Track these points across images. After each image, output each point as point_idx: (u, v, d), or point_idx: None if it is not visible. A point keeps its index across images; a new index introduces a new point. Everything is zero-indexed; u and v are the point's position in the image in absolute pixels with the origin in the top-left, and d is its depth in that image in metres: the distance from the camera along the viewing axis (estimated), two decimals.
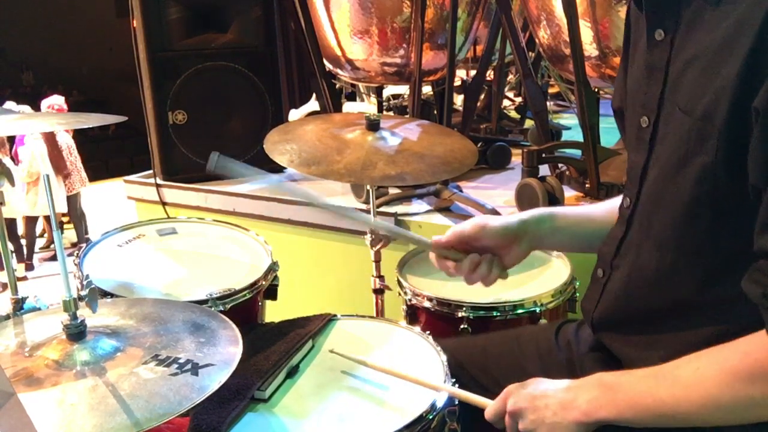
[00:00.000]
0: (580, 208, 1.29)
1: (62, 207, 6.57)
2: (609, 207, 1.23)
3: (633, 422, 0.92)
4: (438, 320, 1.58)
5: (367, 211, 1.79)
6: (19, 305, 1.52)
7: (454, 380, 1.19)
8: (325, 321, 1.44)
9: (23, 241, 6.79)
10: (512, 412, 1.01)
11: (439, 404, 1.13)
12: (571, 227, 1.24)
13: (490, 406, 1.05)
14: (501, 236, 1.17)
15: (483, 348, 1.34)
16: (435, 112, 3.14)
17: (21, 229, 6.80)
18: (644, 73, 1.00)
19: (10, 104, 6.51)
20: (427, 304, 1.59)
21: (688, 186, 0.90)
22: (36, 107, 6.78)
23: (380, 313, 1.83)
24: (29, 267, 6.76)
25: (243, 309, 1.58)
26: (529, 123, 3.45)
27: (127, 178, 3.14)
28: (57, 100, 6.72)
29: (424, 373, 1.22)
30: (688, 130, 0.89)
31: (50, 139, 6.33)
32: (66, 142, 6.74)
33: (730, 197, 0.87)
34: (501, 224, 1.18)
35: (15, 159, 6.62)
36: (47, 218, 6.70)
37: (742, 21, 0.83)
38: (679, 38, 0.94)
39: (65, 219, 6.97)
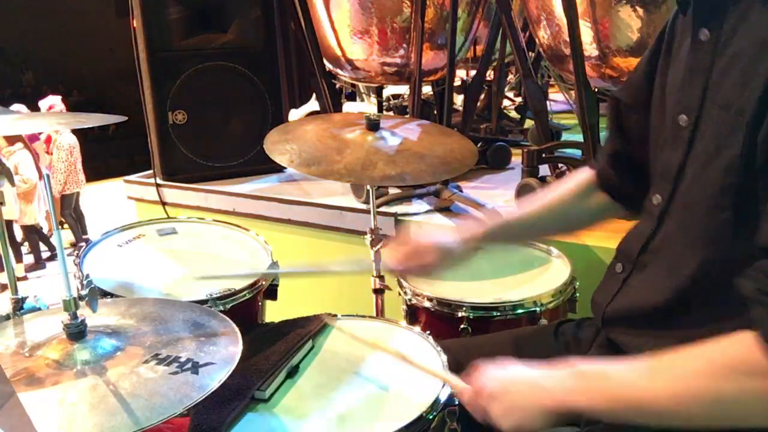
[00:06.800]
0: (513, 216, 1.37)
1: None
2: (540, 204, 1.32)
3: (605, 413, 0.91)
4: (438, 320, 1.58)
5: (367, 212, 1.79)
6: (19, 305, 1.52)
7: None
8: (325, 321, 1.44)
9: (23, 248, 6.82)
10: (487, 396, 1.00)
11: (439, 404, 1.13)
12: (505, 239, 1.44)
13: (466, 392, 1.05)
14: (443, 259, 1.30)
15: (482, 348, 1.34)
16: (435, 112, 3.14)
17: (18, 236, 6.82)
18: (686, 73, 1.01)
19: (18, 107, 6.52)
20: (427, 304, 1.59)
21: (717, 177, 0.91)
22: (36, 107, 6.78)
23: (380, 313, 1.83)
24: (41, 266, 6.79)
25: (243, 309, 1.58)
26: (529, 123, 3.45)
27: (127, 178, 3.14)
28: (54, 101, 6.71)
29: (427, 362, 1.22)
30: (722, 124, 0.91)
31: (29, 146, 6.32)
32: (69, 142, 6.74)
33: (750, 193, 0.88)
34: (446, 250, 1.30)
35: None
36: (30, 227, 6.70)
37: None
38: (724, 37, 0.95)
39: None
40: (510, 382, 0.99)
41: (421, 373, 1.21)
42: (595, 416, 0.93)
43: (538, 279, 1.71)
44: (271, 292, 1.70)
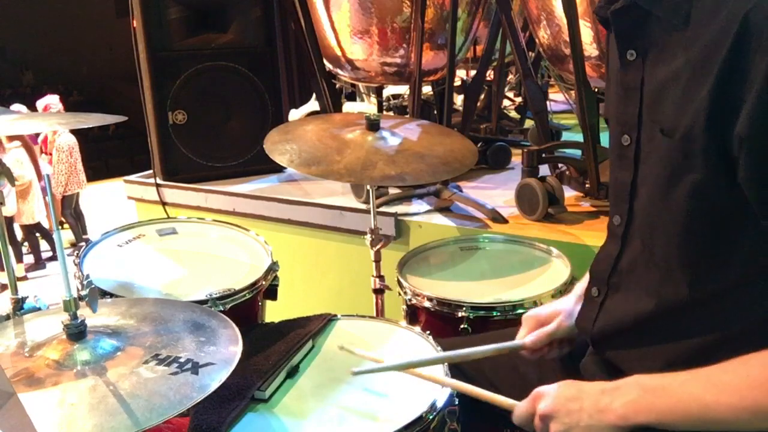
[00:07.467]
0: None
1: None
2: None
3: (672, 426, 0.91)
4: (438, 320, 1.58)
5: (367, 212, 1.80)
6: (19, 305, 1.52)
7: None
8: (325, 321, 1.44)
9: (23, 249, 6.82)
10: (544, 414, 0.98)
11: (439, 404, 1.13)
12: None
13: (518, 408, 1.03)
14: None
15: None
16: (435, 112, 3.14)
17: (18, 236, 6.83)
18: (621, 92, 1.01)
19: (18, 107, 6.51)
20: (427, 304, 1.59)
21: (682, 203, 0.91)
22: (35, 107, 6.78)
23: (380, 313, 1.83)
24: (41, 266, 6.80)
25: (243, 309, 1.58)
26: (529, 123, 3.45)
27: (127, 178, 3.14)
28: (51, 100, 6.71)
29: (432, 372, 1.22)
30: (670, 150, 0.91)
31: (29, 145, 6.32)
32: (68, 142, 6.74)
33: (726, 209, 0.88)
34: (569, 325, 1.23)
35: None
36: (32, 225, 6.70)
37: (712, 44, 0.84)
38: (651, 58, 0.95)
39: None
40: (569, 398, 0.97)
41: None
42: (663, 428, 0.92)
43: (538, 279, 1.71)
44: (271, 292, 1.70)
